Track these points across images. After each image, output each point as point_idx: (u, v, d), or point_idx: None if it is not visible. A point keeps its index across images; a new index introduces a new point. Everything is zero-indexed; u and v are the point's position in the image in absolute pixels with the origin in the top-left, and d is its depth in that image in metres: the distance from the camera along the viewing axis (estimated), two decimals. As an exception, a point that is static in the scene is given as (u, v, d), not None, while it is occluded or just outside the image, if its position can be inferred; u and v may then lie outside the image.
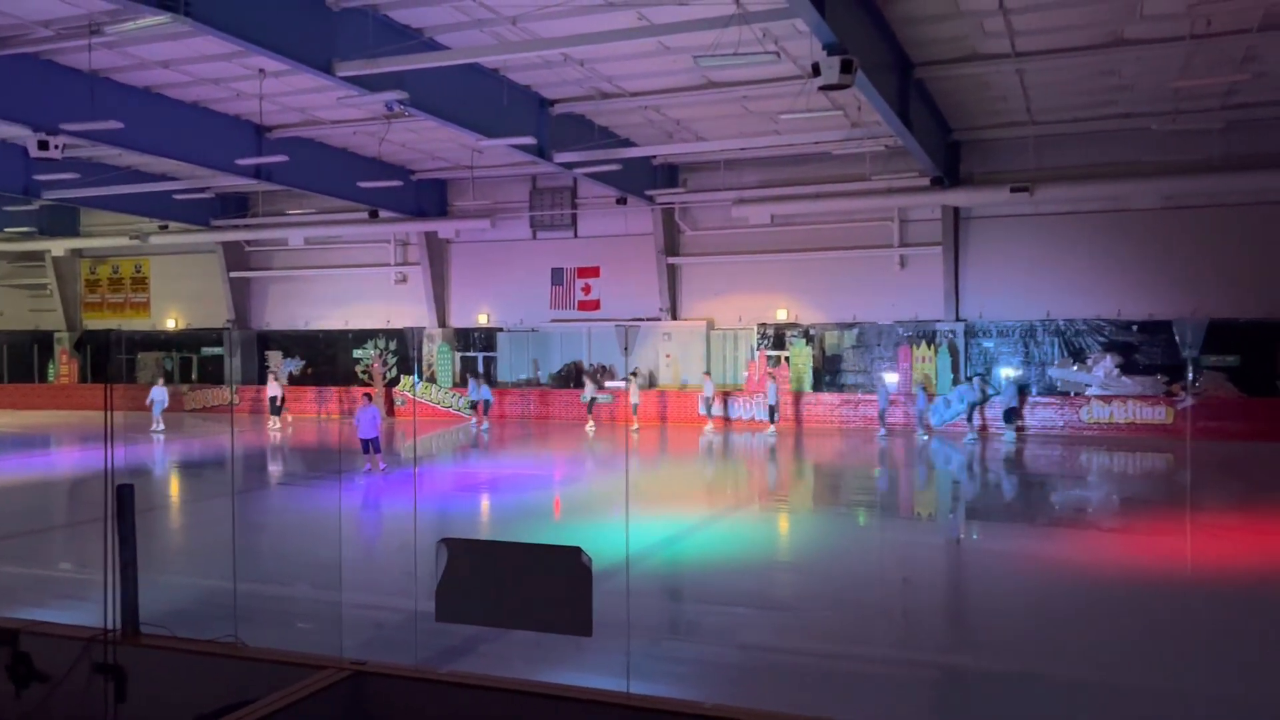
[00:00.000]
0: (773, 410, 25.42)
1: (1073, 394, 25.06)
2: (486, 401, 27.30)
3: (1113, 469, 20.13)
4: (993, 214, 26.03)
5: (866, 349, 27.29)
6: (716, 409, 26.61)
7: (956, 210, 26.09)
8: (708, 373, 26.44)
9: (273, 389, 28.09)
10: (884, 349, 26.94)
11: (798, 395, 26.90)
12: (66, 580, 11.43)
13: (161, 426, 26.27)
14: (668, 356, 29.28)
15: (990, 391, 25.29)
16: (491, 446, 23.88)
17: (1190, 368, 24.15)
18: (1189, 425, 23.38)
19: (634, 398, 26.25)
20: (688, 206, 28.86)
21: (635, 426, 26.30)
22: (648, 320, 29.40)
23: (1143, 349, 24.81)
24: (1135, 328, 24.87)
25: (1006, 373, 25.50)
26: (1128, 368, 24.81)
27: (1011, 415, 24.38)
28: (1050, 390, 25.45)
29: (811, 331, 27.60)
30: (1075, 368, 25.27)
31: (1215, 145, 22.97)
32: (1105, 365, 24.90)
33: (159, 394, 27.07)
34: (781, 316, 28.21)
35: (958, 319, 26.31)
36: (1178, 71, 18.63)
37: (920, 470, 20.37)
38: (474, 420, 26.82)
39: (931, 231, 26.55)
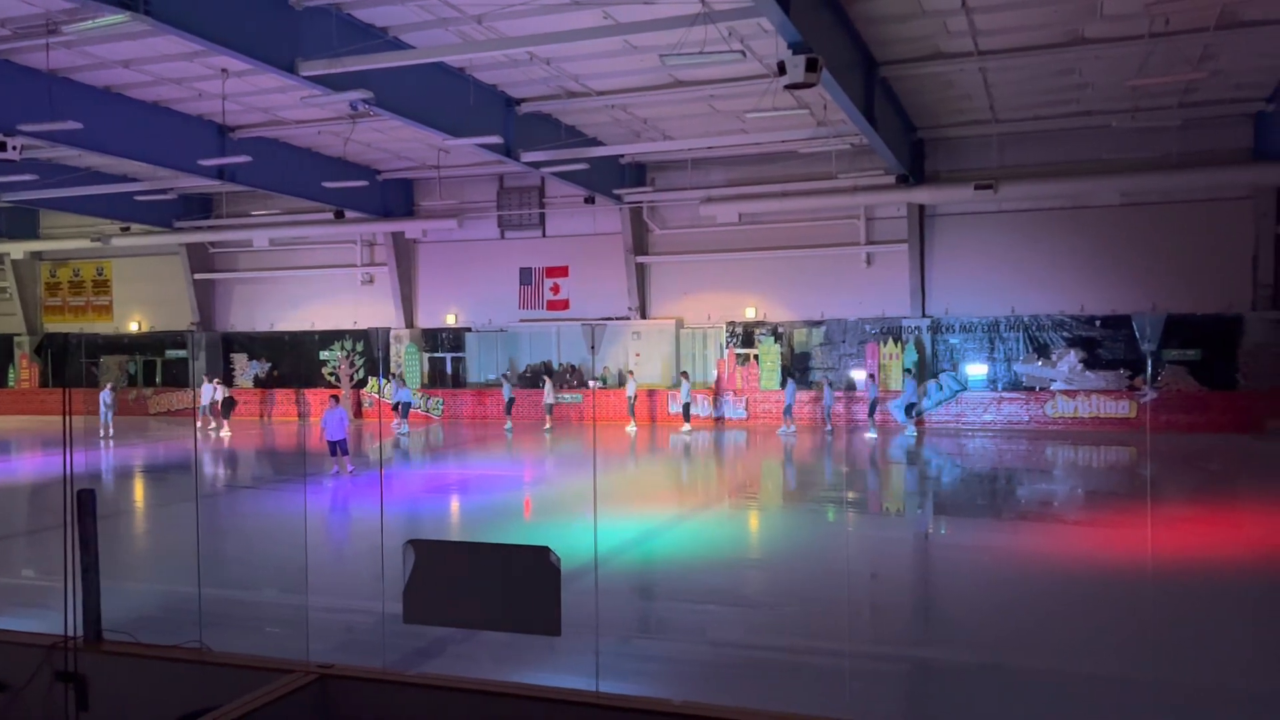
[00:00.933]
0: (686, 409, 25.54)
1: (1038, 389, 25.35)
2: (406, 404, 27.02)
3: (1077, 462, 20.38)
4: (957, 211, 26.27)
5: (834, 346, 27.46)
6: (694, 408, 26.70)
7: (922, 208, 26.31)
8: (684, 373, 26.35)
9: (211, 393, 27.65)
10: (850, 346, 27.11)
11: (767, 393, 27.03)
12: (27, 587, 11.24)
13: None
14: (636, 355, 29.30)
15: (957, 387, 25.53)
16: (455, 447, 23.77)
17: (1151, 362, 24.52)
18: (1151, 418, 23.73)
19: (684, 398, 25.91)
20: (656, 205, 28.89)
21: (631, 426, 26.09)
22: (617, 320, 29.40)
23: (1105, 344, 25.15)
24: (1098, 323, 25.21)
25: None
26: (1091, 363, 25.13)
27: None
28: (1016, 386, 25.73)
29: (780, 329, 27.73)
30: (1040, 363, 25.56)
31: (1173, 142, 23.33)
32: (1069, 360, 25.22)
33: (106, 397, 26.69)
34: (750, 315, 28.32)
35: (924, 315, 26.54)
36: (1136, 70, 18.90)
37: (880, 467, 20.51)
38: (395, 423, 26.38)
39: (897, 229, 26.75)
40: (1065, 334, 25.50)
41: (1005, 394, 25.40)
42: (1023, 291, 25.85)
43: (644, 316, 29.36)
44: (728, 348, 27.85)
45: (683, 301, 29.19)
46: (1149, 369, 24.53)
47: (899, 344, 26.36)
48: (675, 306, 29.29)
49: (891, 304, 26.95)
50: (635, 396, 26.27)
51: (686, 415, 24.92)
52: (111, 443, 24.80)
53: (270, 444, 25.84)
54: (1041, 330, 25.71)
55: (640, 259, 29.14)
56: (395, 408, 26.49)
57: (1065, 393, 24.86)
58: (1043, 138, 24.58)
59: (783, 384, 26.33)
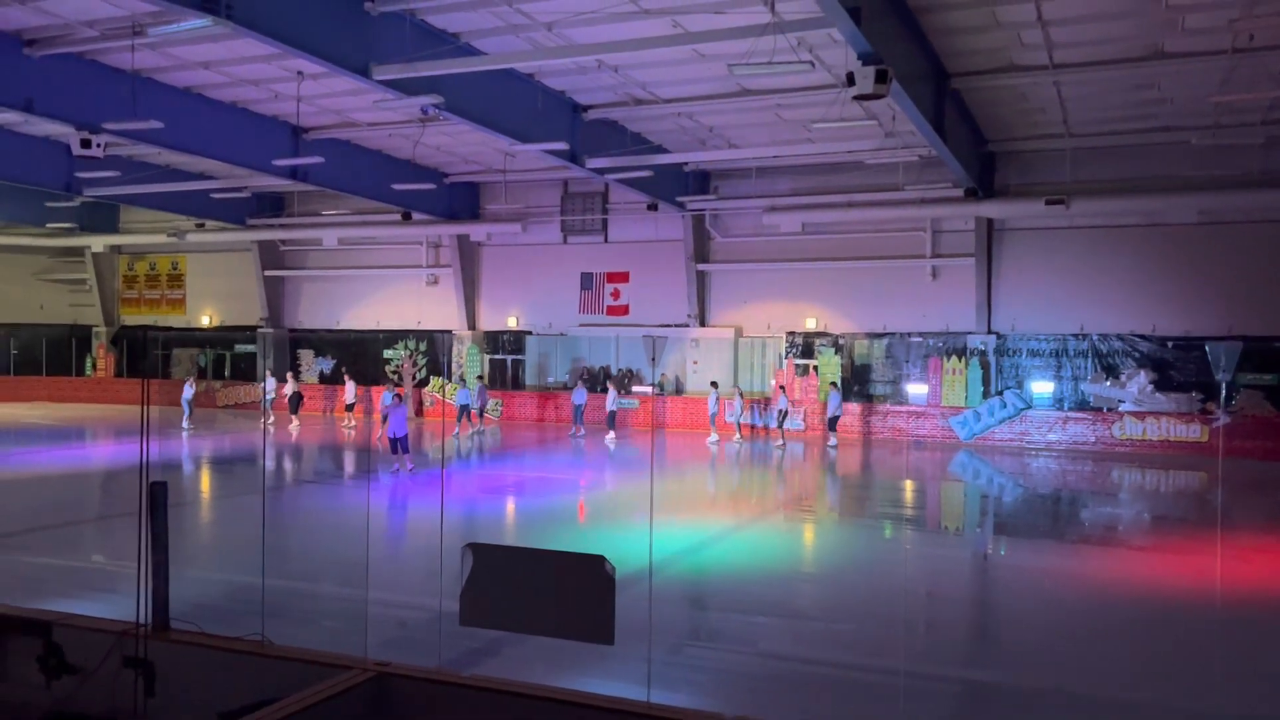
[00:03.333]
0: (712, 416, 25.44)
1: (1105, 410, 24.79)
2: (463, 406, 27.12)
3: (1144, 486, 19.89)
4: (1027, 226, 25.81)
5: (895, 360, 27.14)
6: (746, 417, 26.57)
7: (990, 222, 25.91)
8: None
9: (290, 387, 28.35)
10: (914, 360, 26.78)
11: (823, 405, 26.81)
12: (99, 573, 11.61)
13: (191, 425, 26.54)
14: (695, 363, 29.26)
15: (1021, 405, 25.07)
16: (514, 449, 23.97)
17: (1225, 386, 23.82)
18: (1223, 443, 23.05)
19: (712, 407, 25.52)
20: (718, 213, 28.84)
21: (713, 438, 25.34)
22: (675, 326, 29.40)
23: (1178, 366, 24.50)
24: (1170, 344, 24.57)
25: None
26: (1162, 384, 24.50)
27: (833, 422, 24.94)
28: (1083, 406, 25.19)
29: (841, 341, 27.49)
30: (1109, 383, 25.00)
31: (1255, 161, 22.66)
32: (1139, 381, 24.61)
33: (188, 393, 27.38)
34: (811, 325, 28.11)
35: (989, 332, 26.11)
36: (1218, 86, 18.41)
37: (940, 483, 20.22)
38: (459, 428, 26.30)
39: (964, 243, 26.37)
40: (1135, 354, 24.90)
41: (1071, 414, 24.88)
42: (1092, 310, 25.31)
43: (703, 324, 29.32)
44: (787, 358, 27.68)
45: (742, 310, 29.09)
46: (1222, 393, 23.83)
47: (962, 359, 25.97)
48: (734, 315, 29.21)
49: (956, 318, 26.57)
50: (741, 408, 25.91)
51: (833, 426, 24.66)
52: (185, 434, 25.45)
53: (332, 440, 26.33)
54: (1111, 350, 25.14)
55: (701, 266, 29.12)
56: (464, 411, 26.72)
57: (1134, 414, 24.27)
58: (1118, 153, 24.04)
59: (823, 395, 26.15)
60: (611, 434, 25.66)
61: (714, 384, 25.97)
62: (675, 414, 28.10)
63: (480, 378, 29.13)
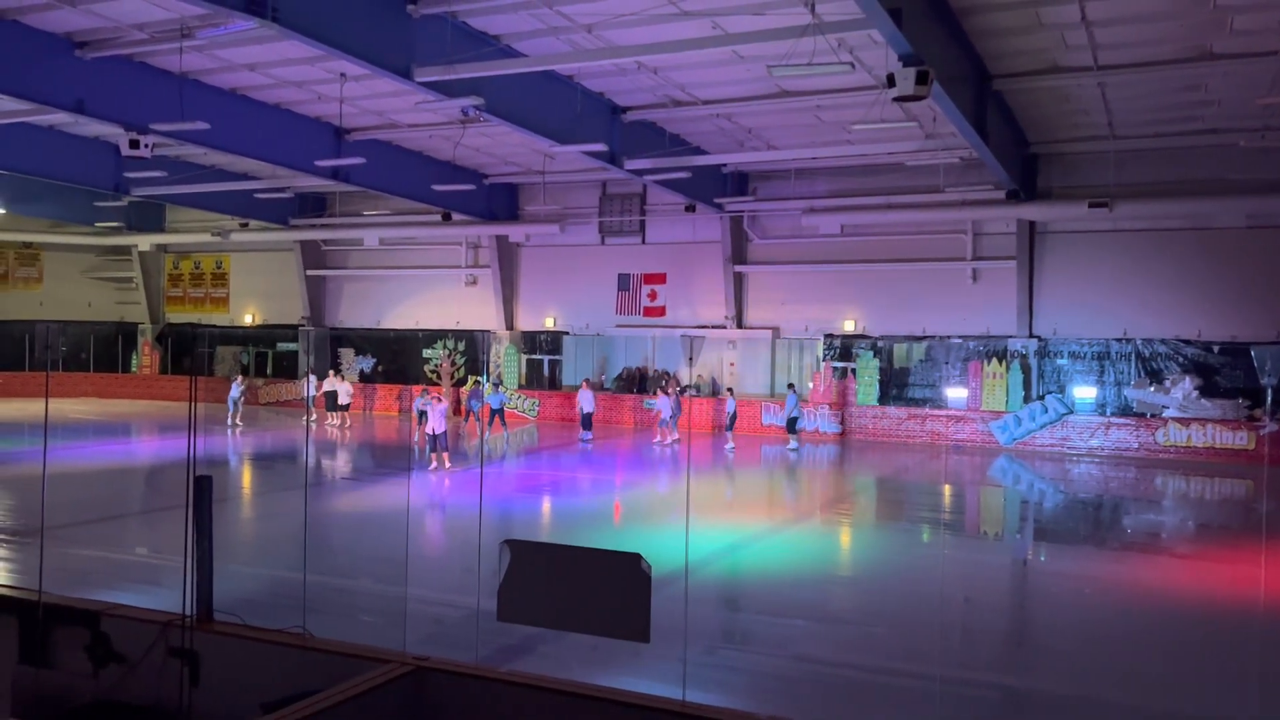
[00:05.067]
0: (793, 423, 24.82)
1: (1149, 416, 24.41)
2: (469, 410, 26.87)
3: (1188, 494, 19.57)
4: (1070, 229, 25.50)
5: (935, 363, 26.91)
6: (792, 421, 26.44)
7: (1032, 225, 25.61)
8: (791, 385, 25.87)
9: (329, 385, 28.49)
10: (953, 364, 26.55)
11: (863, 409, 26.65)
12: (145, 565, 11.85)
13: (238, 422, 26.81)
14: (731, 365, 29.21)
15: (1063, 410, 24.76)
16: (550, 449, 24.09)
17: (1272, 393, 23.36)
18: (1270, 451, 22.61)
19: (791, 410, 24.62)
20: (757, 215, 28.77)
21: (793, 444, 24.46)
22: (712, 328, 29.37)
23: (1223, 371, 24.06)
24: (1216, 349, 24.14)
25: (789, 384, 25.90)
26: (1207, 390, 24.08)
27: (793, 425, 24.68)
28: (1126, 411, 24.82)
29: (880, 343, 27.32)
30: (1152, 389, 24.62)
31: (1306, 163, 22.21)
32: (1184, 387, 24.21)
33: (234, 393, 27.53)
34: (849, 327, 27.97)
35: (1030, 335, 25.82)
36: (1267, 87, 18.06)
37: (981, 489, 20.02)
38: (491, 429, 25.89)
39: (1005, 246, 26.10)
40: (1180, 359, 24.50)
41: (1114, 419, 24.53)
42: (1136, 314, 24.93)
43: (740, 326, 29.27)
44: (825, 360, 27.56)
45: (780, 312, 29.01)
46: (1269, 399, 23.37)
47: (1003, 363, 25.69)
48: (772, 316, 29.13)
49: (997, 322, 26.31)
50: (798, 414, 25.16)
51: (793, 429, 24.60)
52: (234, 431, 25.81)
53: (371, 439, 26.60)
54: (1154, 354, 24.76)
55: (739, 268, 29.08)
56: (495, 414, 26.25)
57: (1178, 420, 23.87)
58: (1163, 155, 23.67)
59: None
60: (672, 437, 24.60)
61: (791, 386, 25.66)
62: (712, 416, 27.98)
63: (477, 381, 28.65)
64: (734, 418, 25.09)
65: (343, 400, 27.47)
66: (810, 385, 27.66)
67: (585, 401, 25.44)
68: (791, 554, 12.99)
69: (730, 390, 26.52)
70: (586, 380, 26.65)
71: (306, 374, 32.39)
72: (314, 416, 28.49)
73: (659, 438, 24.78)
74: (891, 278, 27.43)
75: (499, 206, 30.77)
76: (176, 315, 38.37)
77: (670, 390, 25.50)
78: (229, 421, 26.51)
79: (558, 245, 31.45)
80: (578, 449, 23.97)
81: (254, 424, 27.84)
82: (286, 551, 11.85)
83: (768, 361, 28.81)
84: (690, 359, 29.28)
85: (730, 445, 24.09)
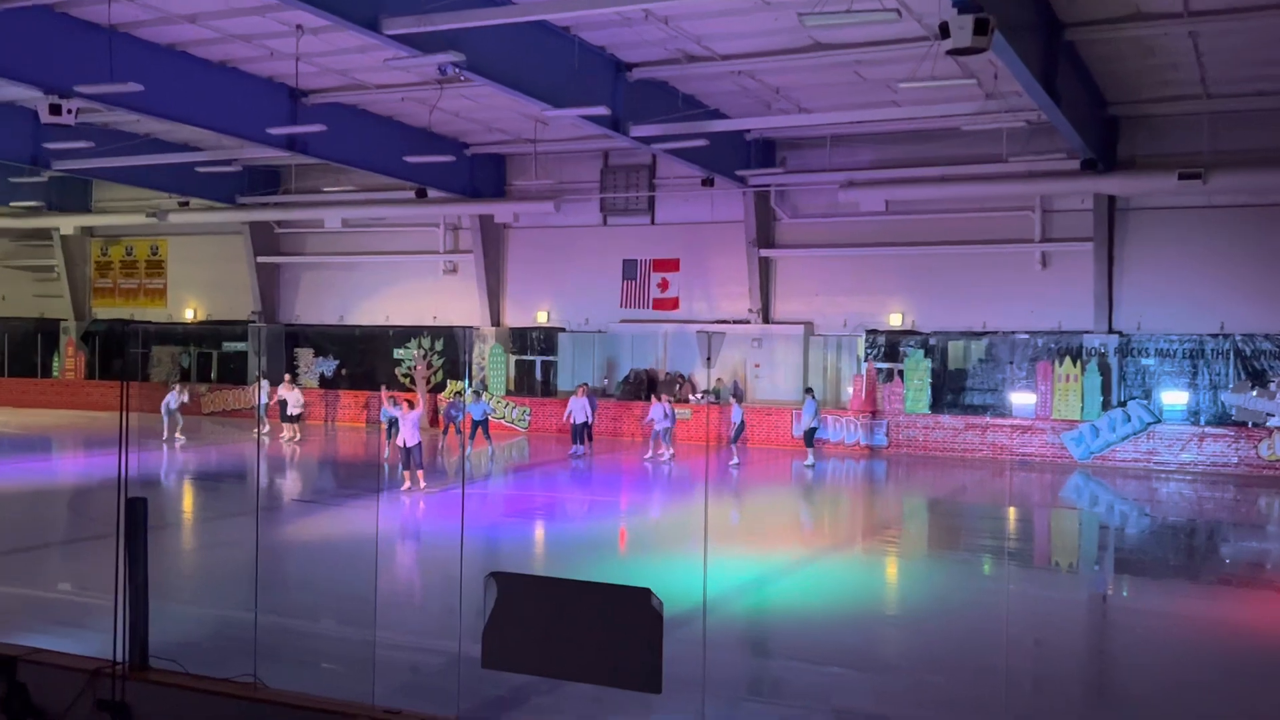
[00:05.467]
0: (811, 434, 24.42)
1: (1251, 425, 24.32)
2: (448, 421, 26.67)
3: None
4: (1156, 205, 25.40)
5: (997, 363, 26.84)
6: (824, 432, 26.34)
7: (1112, 200, 25.54)
8: (810, 390, 25.77)
9: (282, 392, 28.02)
10: (1019, 365, 26.49)
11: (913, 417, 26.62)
12: (69, 604, 11.87)
13: (178, 436, 26.52)
14: (756, 366, 29.21)
15: (1149, 418, 24.69)
16: (542, 465, 24.09)
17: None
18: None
19: (810, 420, 24.36)
20: (786, 189, 28.75)
21: (809, 460, 24.09)
22: (734, 323, 29.37)
23: (1340, 372, 23.98)
24: (1331, 346, 24.06)
25: (808, 388, 25.71)
26: (1321, 395, 23.99)
27: (810, 436, 24.45)
28: (1223, 420, 24.73)
29: (932, 341, 27.27)
30: (1255, 393, 24.51)
31: None
32: (1292, 391, 24.12)
33: (172, 400, 27.14)
34: (895, 322, 27.92)
35: (1110, 331, 25.74)
36: (1391, 35, 18.00)
37: (1049, 511, 19.97)
38: (472, 444, 25.72)
39: (1080, 225, 26.04)
40: (1288, 358, 24.42)
41: (1209, 429, 24.43)
42: (1235, 305, 24.82)
43: (766, 320, 29.26)
44: (867, 361, 27.53)
45: (813, 304, 28.98)
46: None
47: (1077, 363, 25.62)
48: (804, 309, 29.11)
49: (1070, 315, 26.24)
50: (816, 421, 24.87)
51: (810, 441, 24.44)
52: (173, 447, 25.80)
53: (334, 454, 26.64)
54: (1257, 352, 24.64)
55: (765, 252, 29.06)
56: (477, 426, 25.98)
57: (1286, 431, 23.79)
58: (1267, 118, 23.56)
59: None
60: (668, 452, 24.44)
61: (809, 390, 25.45)
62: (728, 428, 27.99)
63: (458, 391, 28.35)
64: (741, 429, 24.89)
65: (292, 410, 27.21)
66: (849, 391, 27.62)
67: (579, 410, 25.18)
68: (828, 589, 12.95)
69: (736, 397, 26.32)
70: (584, 385, 26.48)
71: (258, 379, 32.43)
72: (266, 429, 28.55)
73: (650, 452, 24.62)
74: (945, 264, 27.37)
75: (483, 181, 30.84)
76: (105, 310, 38.51)
77: (662, 396, 25.32)
78: (166, 435, 26.55)
79: (552, 227, 31.47)
80: (572, 466, 23.98)
81: (196, 438, 27.91)
82: (235, 587, 11.85)
83: (798, 362, 28.77)
84: (708, 359, 29.23)
85: (735, 462, 23.98)
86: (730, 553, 14.17)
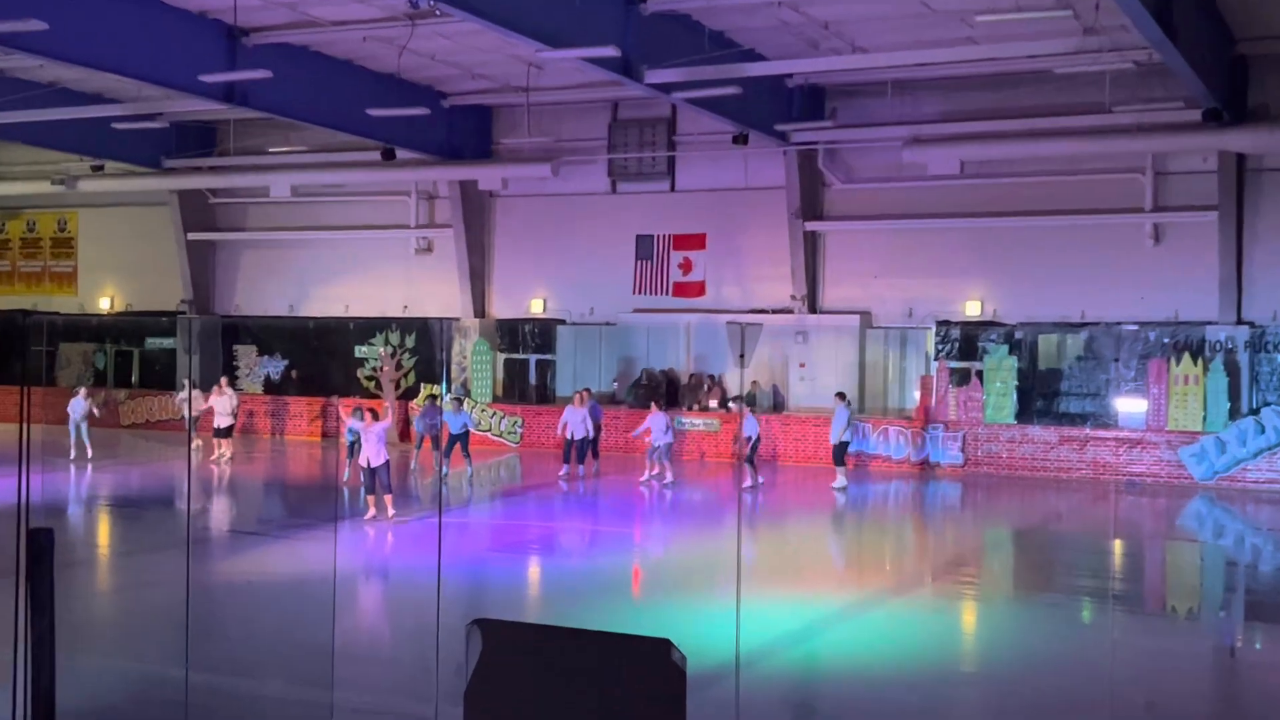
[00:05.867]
0: (842, 449, 24.24)
1: None
2: (421, 435, 26.29)
3: None
4: (1297, 165, 25.36)
5: (1099, 362, 26.71)
6: (886, 448, 26.22)
7: (1241, 159, 25.43)
8: (841, 394, 25.28)
9: (215, 400, 27.63)
10: (1126, 364, 26.37)
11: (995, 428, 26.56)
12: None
13: (89, 452, 26.45)
14: (801, 366, 29.13)
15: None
16: (537, 490, 24.10)
17: None
18: None
19: (841, 433, 24.11)
20: (837, 148, 28.70)
21: (840, 481, 24.06)
22: (773, 312, 29.34)
23: None
24: None
25: (839, 393, 24.85)
26: None
27: (842, 451, 24.06)
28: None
29: (1017, 334, 27.19)
30: None
31: None
32: None
33: (78, 410, 26.93)
34: (972, 311, 27.88)
35: (1239, 321, 25.64)
36: None
37: (1159, 543, 19.90)
38: (439, 461, 25.32)
39: (1203, 190, 25.95)
40: None
41: (1362, 443, 24.34)
42: (1396, 288, 24.75)
43: (813, 309, 29.22)
44: (938, 359, 27.44)
45: (872, 289, 28.93)
46: None
47: (1199, 362, 25.52)
48: (860, 296, 29.04)
49: (1189, 301, 26.16)
50: (848, 433, 24.42)
51: (839, 458, 24.01)
52: (83, 466, 25.83)
53: (283, 475, 26.69)
54: None
55: (811, 225, 29.01)
56: (452, 440, 25.55)
57: None
58: None
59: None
60: (669, 474, 24.37)
61: (841, 395, 25.07)
62: (775, 439, 27.94)
63: (433, 395, 27.46)
64: (756, 444, 24.31)
65: (219, 421, 26.91)
66: (915, 396, 27.55)
67: (576, 423, 24.79)
68: (889, 641, 12.94)
69: (750, 404, 25.76)
70: (584, 391, 26.12)
71: (186, 384, 32.50)
72: (197, 444, 28.64)
73: (647, 473, 24.40)
74: (1034, 239, 27.33)
75: (464, 139, 30.86)
76: (2, 299, 38.63)
77: (658, 406, 24.88)
78: (74, 453, 26.56)
79: (549, 195, 31.49)
80: (577, 489, 24.00)
81: (113, 455, 28.00)
82: (161, 637, 11.87)
83: (852, 361, 28.70)
84: (741, 356, 29.14)
85: (750, 483, 23.59)
86: (767, 596, 14.15)
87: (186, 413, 32.22)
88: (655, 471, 24.23)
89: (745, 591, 13.77)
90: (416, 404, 29.74)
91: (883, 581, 16.72)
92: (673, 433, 24.79)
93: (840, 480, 23.99)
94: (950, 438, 26.64)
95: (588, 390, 26.52)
